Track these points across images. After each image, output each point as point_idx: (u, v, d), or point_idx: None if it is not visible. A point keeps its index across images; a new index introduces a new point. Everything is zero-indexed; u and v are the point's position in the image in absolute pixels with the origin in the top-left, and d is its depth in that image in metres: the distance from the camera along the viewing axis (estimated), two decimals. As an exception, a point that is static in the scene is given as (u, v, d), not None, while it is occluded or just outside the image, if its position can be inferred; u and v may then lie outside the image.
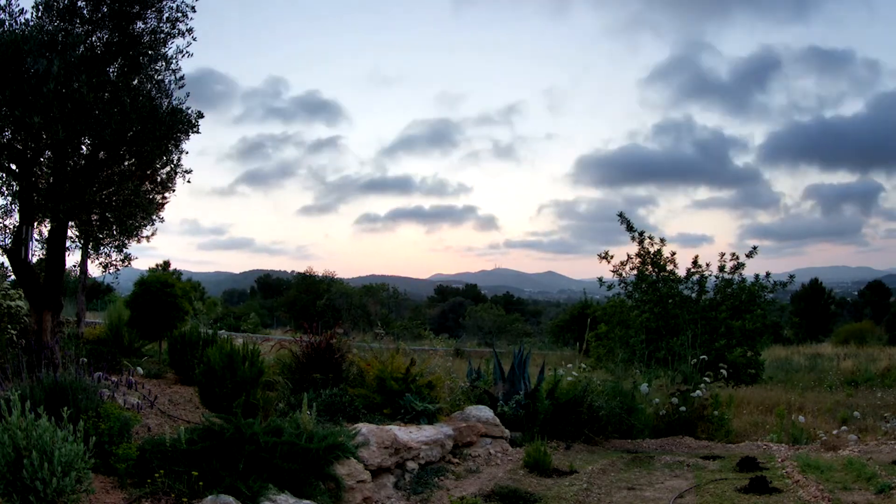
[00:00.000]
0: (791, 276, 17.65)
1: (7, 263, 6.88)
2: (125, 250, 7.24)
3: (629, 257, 16.94)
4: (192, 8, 6.47)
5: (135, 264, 7.70)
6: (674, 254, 16.65)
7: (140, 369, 8.41)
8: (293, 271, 61.94)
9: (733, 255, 16.57)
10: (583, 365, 10.24)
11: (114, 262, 7.31)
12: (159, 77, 6.55)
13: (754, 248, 16.48)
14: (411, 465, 6.10)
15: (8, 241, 6.64)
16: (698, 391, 9.27)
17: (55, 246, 6.68)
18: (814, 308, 46.89)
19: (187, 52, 6.57)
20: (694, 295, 16.48)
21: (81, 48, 5.94)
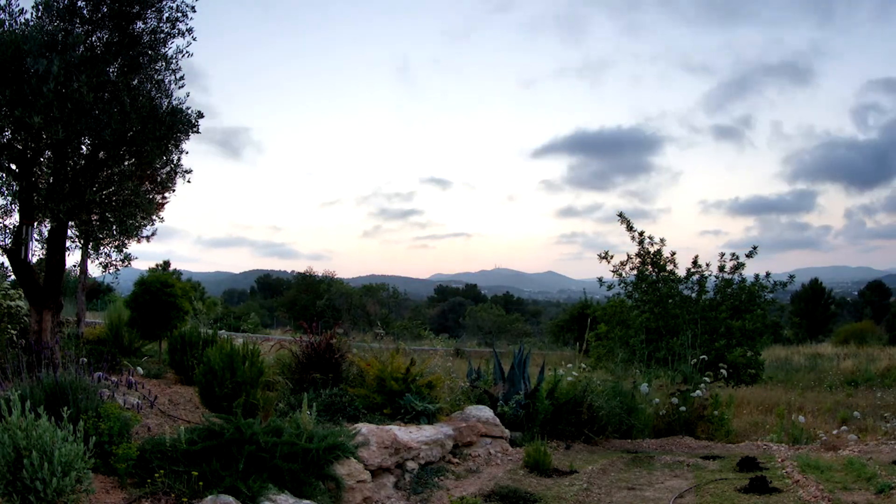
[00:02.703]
0: (791, 276, 17.61)
1: (7, 263, 6.88)
2: (125, 250, 7.24)
3: (629, 257, 16.92)
4: (192, 8, 6.46)
5: (136, 264, 7.70)
6: (674, 254, 16.64)
7: (140, 369, 8.41)
8: (293, 271, 61.97)
9: (733, 254, 16.55)
10: (583, 365, 10.25)
11: (114, 262, 7.31)
12: (159, 77, 6.54)
13: (754, 247, 16.46)
14: (411, 465, 6.09)
15: (8, 241, 6.64)
16: (698, 391, 9.27)
17: (55, 246, 6.67)
18: (814, 308, 46.91)
19: (187, 51, 6.57)
20: (694, 295, 16.46)
21: (81, 48, 5.93)
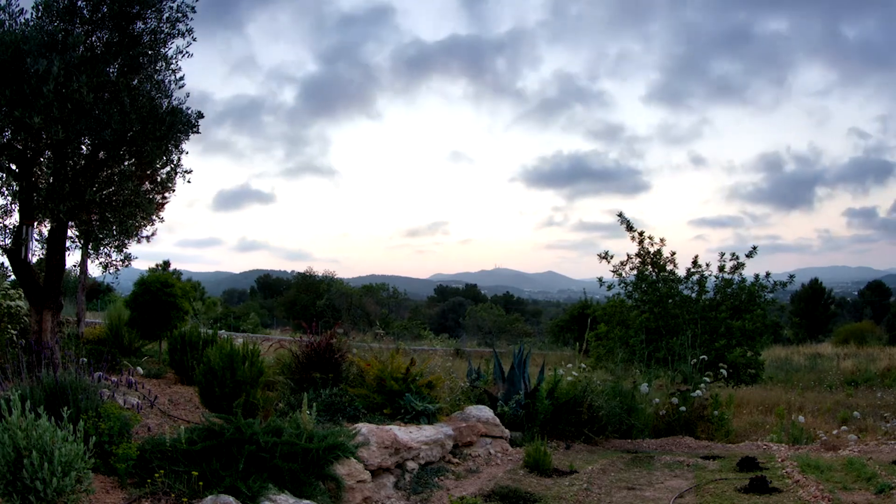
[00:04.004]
0: (791, 276, 17.60)
1: (7, 263, 6.88)
2: (125, 250, 7.23)
3: (629, 257, 16.91)
4: (192, 8, 6.46)
5: (136, 264, 7.69)
6: (674, 254, 16.62)
7: (140, 369, 8.42)
8: (293, 271, 61.95)
9: (733, 255, 16.54)
10: (583, 365, 10.24)
11: (114, 262, 7.30)
12: (159, 77, 6.55)
13: (754, 248, 16.45)
14: (411, 465, 6.09)
15: (8, 241, 6.64)
16: (698, 391, 9.26)
17: (55, 246, 6.67)
18: (814, 308, 46.90)
19: (187, 52, 6.57)
20: (694, 295, 16.45)
21: (81, 48, 5.93)
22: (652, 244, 16.63)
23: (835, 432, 8.84)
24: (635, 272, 16.77)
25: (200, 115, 6.68)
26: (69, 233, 6.96)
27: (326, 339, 7.76)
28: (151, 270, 23.39)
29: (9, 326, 8.00)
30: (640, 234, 16.68)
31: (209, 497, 4.06)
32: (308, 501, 4.44)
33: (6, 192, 6.46)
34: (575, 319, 28.51)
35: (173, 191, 7.34)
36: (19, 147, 6.31)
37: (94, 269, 9.06)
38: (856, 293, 73.00)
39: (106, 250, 7.25)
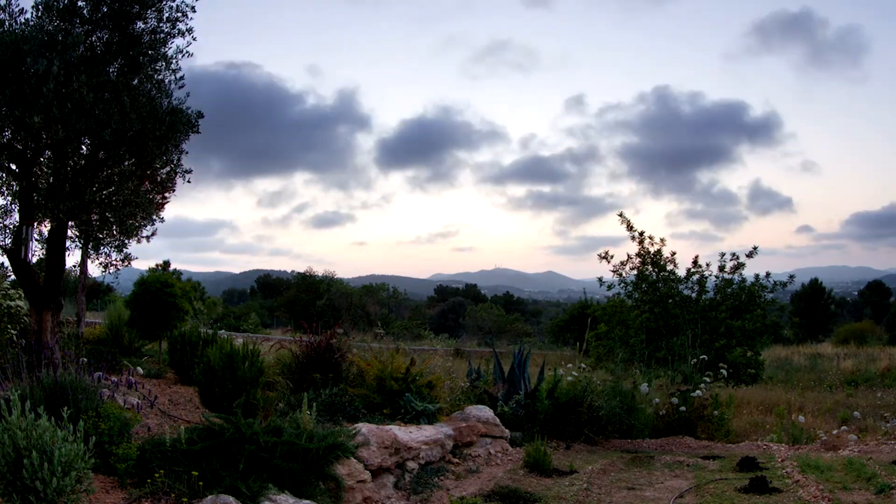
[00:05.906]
0: (791, 276, 17.61)
1: (7, 263, 6.88)
2: (125, 250, 7.23)
3: (629, 257, 16.90)
4: (192, 8, 6.46)
5: (135, 264, 7.69)
6: (674, 253, 16.61)
7: (140, 369, 8.42)
8: (293, 271, 61.90)
9: (733, 255, 16.54)
10: (583, 365, 10.23)
11: (114, 262, 7.30)
12: (159, 77, 6.54)
13: (755, 248, 16.45)
14: (411, 464, 6.09)
15: (8, 241, 6.64)
16: (698, 391, 9.26)
17: (55, 246, 6.67)
18: (814, 308, 46.89)
19: (187, 51, 6.57)
20: (694, 295, 16.45)
21: (81, 48, 5.93)
22: (652, 244, 16.62)
23: (835, 432, 8.84)
24: (635, 272, 16.76)
25: (200, 115, 6.67)
26: (69, 233, 6.96)
27: (326, 339, 7.76)
28: (151, 270, 23.39)
29: (9, 326, 8.00)
30: (641, 233, 16.66)
31: (209, 497, 4.06)
32: (308, 501, 4.44)
33: (6, 192, 6.45)
34: (575, 319, 28.51)
35: (173, 191, 7.35)
36: (19, 147, 6.30)
37: (94, 269, 9.09)
38: (856, 293, 73.06)
39: (106, 250, 7.25)
